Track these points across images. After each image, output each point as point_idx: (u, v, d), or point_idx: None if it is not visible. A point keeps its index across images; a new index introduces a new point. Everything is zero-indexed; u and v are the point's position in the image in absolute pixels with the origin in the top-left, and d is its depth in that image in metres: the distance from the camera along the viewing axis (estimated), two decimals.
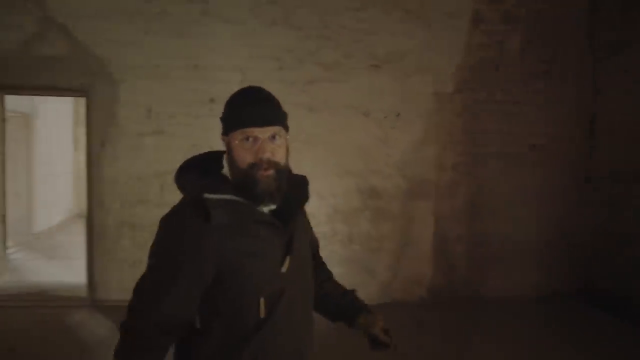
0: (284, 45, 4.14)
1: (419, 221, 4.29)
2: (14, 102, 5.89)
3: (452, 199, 4.35)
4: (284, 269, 1.13)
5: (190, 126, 4.09)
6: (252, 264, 1.07)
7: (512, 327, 3.76)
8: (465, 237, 4.35)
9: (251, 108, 1.13)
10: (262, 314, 1.08)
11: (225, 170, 1.17)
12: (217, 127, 4.03)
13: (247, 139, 1.10)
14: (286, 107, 4.57)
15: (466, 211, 4.35)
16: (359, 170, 4.24)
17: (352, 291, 1.46)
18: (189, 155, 4.15)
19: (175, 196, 3.92)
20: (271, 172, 1.10)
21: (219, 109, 3.88)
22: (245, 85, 4.25)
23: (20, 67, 3.92)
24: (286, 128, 1.24)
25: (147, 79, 4.04)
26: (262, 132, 1.12)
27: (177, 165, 4.24)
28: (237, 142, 1.11)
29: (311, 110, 4.18)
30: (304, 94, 4.17)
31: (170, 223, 1.09)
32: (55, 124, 7.51)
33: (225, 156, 1.18)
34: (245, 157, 1.11)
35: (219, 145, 4.08)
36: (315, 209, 4.18)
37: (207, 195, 1.07)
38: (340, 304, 1.41)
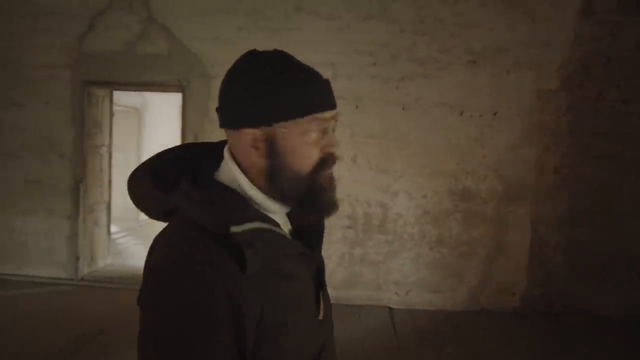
0: (378, 40, 4.10)
1: (515, 226, 4.11)
2: (127, 97, 6.49)
3: (553, 204, 4.11)
4: (320, 316, 0.88)
5: None
6: (293, 320, 0.78)
7: (612, 349, 3.51)
8: (566, 245, 4.11)
9: (320, 84, 0.83)
10: None
11: (228, 176, 0.83)
12: None
13: (319, 129, 0.81)
14: (379, 104, 4.59)
15: (568, 218, 4.10)
16: (452, 171, 4.12)
17: None
18: None
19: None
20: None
21: None
22: (336, 81, 4.22)
23: (125, 64, 4.21)
24: None
25: None
26: (333, 118, 0.85)
27: None
28: (299, 135, 0.79)
29: (404, 108, 4.11)
30: (397, 91, 4.11)
31: (190, 275, 0.71)
32: (164, 117, 8.09)
33: (229, 155, 0.84)
34: (310, 156, 0.81)
35: None
36: (404, 210, 4.13)
37: (234, 229, 0.73)
38: None
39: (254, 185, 0.82)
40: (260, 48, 3.49)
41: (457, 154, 4.11)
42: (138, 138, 7.51)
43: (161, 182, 0.82)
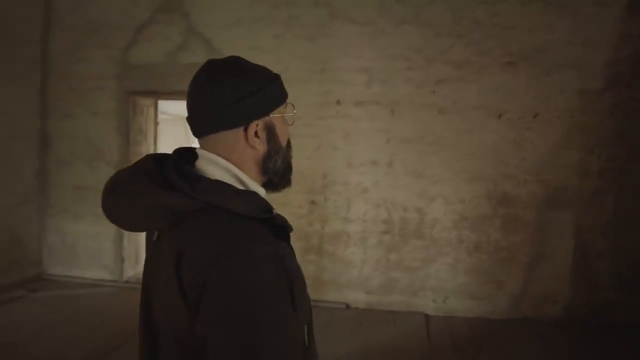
0: (412, 44, 4.15)
1: (556, 232, 4.03)
2: (174, 107, 6.91)
3: (597, 209, 4.01)
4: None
5: (316, 127, 4.29)
6: (302, 287, 0.93)
7: None
8: (612, 252, 4.00)
9: (279, 77, 1.01)
10: (306, 343, 0.97)
11: (219, 173, 0.94)
12: (342, 128, 4.19)
13: (289, 110, 1.02)
14: (414, 108, 4.62)
15: (614, 224, 3.99)
16: (490, 175, 4.10)
17: None
18: (314, 156, 4.34)
19: (297, 196, 4.18)
20: None
21: (345, 110, 4.07)
22: (371, 86, 4.31)
23: (167, 74, 4.45)
24: None
25: None
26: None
27: (302, 167, 4.45)
28: (281, 118, 1.00)
29: (440, 112, 4.14)
30: (432, 95, 4.14)
31: (261, 252, 0.82)
32: None
33: (216, 156, 0.95)
34: (287, 134, 1.03)
35: (343, 146, 4.21)
36: (441, 215, 4.15)
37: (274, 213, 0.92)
38: None
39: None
40: (297, 55, 3.72)
41: (496, 157, 4.09)
42: (186, 145, 8.04)
43: (168, 187, 0.89)
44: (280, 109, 0.99)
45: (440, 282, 4.16)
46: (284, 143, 1.01)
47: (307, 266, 4.29)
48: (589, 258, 4.02)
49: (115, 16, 4.55)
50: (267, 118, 0.97)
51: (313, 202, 4.31)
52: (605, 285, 4.00)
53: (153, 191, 0.89)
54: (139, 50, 4.53)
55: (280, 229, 0.92)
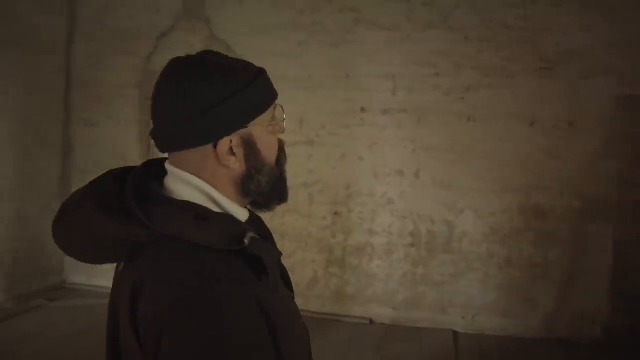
0: (440, 50, 4.04)
1: (595, 248, 3.84)
2: None
3: (638, 222, 3.81)
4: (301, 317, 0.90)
5: (340, 136, 4.22)
6: (291, 320, 0.83)
7: None
8: None
9: (265, 73, 0.86)
10: None
11: (188, 193, 0.80)
12: (367, 136, 4.10)
13: (274, 118, 0.85)
14: (444, 116, 4.50)
15: None
16: (522, 186, 3.94)
17: None
18: (338, 166, 4.24)
19: (320, 207, 4.08)
20: None
21: (370, 118, 3.94)
22: (397, 94, 4.20)
23: None
24: None
25: (299, 89, 4.26)
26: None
27: (326, 177, 4.37)
28: (265, 128, 0.82)
29: (469, 120, 4.02)
30: (461, 102, 4.02)
31: (226, 293, 0.70)
32: None
33: (185, 174, 0.81)
34: (275, 146, 0.86)
35: (367, 156, 4.11)
36: (471, 227, 4.01)
37: (250, 237, 0.75)
38: None
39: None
40: (321, 62, 3.58)
41: (528, 168, 3.94)
42: None
43: (121, 215, 0.75)
44: (265, 116, 0.82)
45: (470, 298, 4.01)
46: (270, 159, 0.85)
47: (330, 279, 4.21)
48: (630, 275, 3.81)
49: (138, 24, 4.58)
50: (244, 130, 0.80)
51: (336, 214, 4.23)
52: None
53: (100, 220, 0.76)
54: (161, 58, 4.53)
55: (255, 260, 0.74)
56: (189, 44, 4.44)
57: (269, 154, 0.85)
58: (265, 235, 0.89)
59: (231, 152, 0.79)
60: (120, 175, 0.84)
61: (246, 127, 0.80)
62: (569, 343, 3.78)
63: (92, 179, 0.83)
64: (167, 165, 0.84)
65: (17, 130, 4.32)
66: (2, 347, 3.38)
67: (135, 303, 0.74)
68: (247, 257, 0.74)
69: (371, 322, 4.12)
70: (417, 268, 4.10)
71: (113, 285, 0.89)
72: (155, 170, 0.87)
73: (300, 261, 4.23)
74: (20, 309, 4.13)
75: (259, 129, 0.81)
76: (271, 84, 0.86)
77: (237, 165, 0.81)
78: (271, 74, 3.55)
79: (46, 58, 4.60)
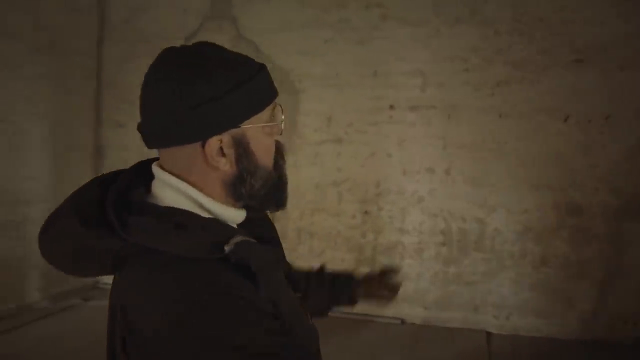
0: (470, 45, 3.98)
1: (634, 246, 3.74)
2: None
3: None
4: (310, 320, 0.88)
5: (368, 134, 4.19)
6: (295, 324, 0.79)
7: None
8: None
9: (265, 70, 0.80)
10: None
11: (172, 197, 0.77)
12: (396, 134, 4.05)
13: (272, 118, 0.81)
14: (474, 112, 4.42)
15: None
16: (556, 183, 3.86)
17: (317, 272, 1.25)
18: (367, 164, 4.20)
19: (350, 205, 4.06)
20: None
21: (399, 115, 3.89)
22: (426, 90, 4.15)
23: None
24: None
25: (326, 87, 4.25)
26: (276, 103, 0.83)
27: (355, 175, 4.34)
28: (261, 129, 0.78)
29: (500, 115, 3.94)
30: (492, 97, 3.95)
31: (218, 302, 0.68)
32: None
33: (170, 176, 0.78)
34: (272, 148, 0.82)
35: (397, 153, 4.05)
36: (503, 226, 3.94)
37: (227, 248, 0.70)
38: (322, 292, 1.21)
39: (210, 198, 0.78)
40: (348, 59, 3.54)
41: (562, 164, 3.85)
42: None
43: (99, 226, 0.73)
44: (261, 116, 0.77)
45: (503, 298, 3.95)
46: (265, 161, 0.80)
47: None
48: None
49: (166, 26, 4.63)
50: (237, 130, 0.75)
51: (366, 212, 4.21)
52: None
53: (79, 232, 0.73)
54: None
55: (243, 265, 0.70)
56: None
57: (264, 156, 0.80)
58: (262, 236, 0.84)
59: (221, 152, 0.75)
60: (106, 182, 0.81)
61: (238, 126, 0.75)
62: (606, 344, 3.69)
63: None
64: (154, 168, 0.81)
65: (49, 133, 4.42)
66: (37, 346, 3.46)
67: (124, 324, 0.72)
68: (229, 263, 0.70)
69: (402, 322, 4.10)
70: (449, 267, 4.06)
71: (110, 294, 0.86)
72: (144, 173, 0.83)
73: (330, 260, 4.22)
74: (55, 308, 4.24)
75: (253, 129, 0.77)
76: (271, 82, 0.81)
77: (227, 166, 0.77)
78: (297, 71, 3.58)
79: (77, 61, 4.70)
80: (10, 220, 4.05)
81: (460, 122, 4.02)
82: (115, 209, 0.73)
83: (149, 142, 0.79)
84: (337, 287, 1.25)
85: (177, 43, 3.66)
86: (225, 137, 0.75)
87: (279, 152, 0.85)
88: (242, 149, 0.76)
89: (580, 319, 3.82)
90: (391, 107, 4.12)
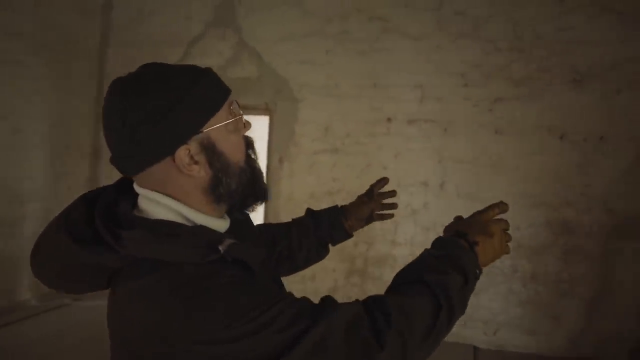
0: (470, 60, 4.15)
1: (625, 265, 3.89)
2: None
3: None
4: None
5: (365, 145, 4.35)
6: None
7: None
8: None
9: (211, 72, 0.85)
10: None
11: (158, 211, 0.82)
12: (392, 146, 4.21)
13: (232, 115, 0.84)
14: (471, 127, 4.62)
15: None
16: (550, 201, 4.02)
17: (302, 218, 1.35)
18: (363, 175, 4.32)
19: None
20: None
21: (396, 128, 4.12)
22: (424, 103, 4.32)
23: None
24: None
25: (325, 97, 4.42)
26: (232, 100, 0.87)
27: (350, 185, 4.49)
28: (224, 128, 0.82)
29: (497, 132, 4.11)
30: (490, 113, 4.12)
31: (230, 284, 0.75)
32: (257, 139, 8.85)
33: (153, 193, 0.82)
34: (241, 143, 0.87)
35: (392, 165, 4.20)
36: None
37: (221, 248, 0.77)
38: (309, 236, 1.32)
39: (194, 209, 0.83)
40: (348, 70, 3.79)
41: (557, 182, 4.01)
42: None
43: (92, 242, 0.78)
44: (219, 115, 0.81)
45: (492, 313, 4.09)
46: (236, 158, 0.85)
47: (351, 289, 4.33)
48: None
49: (170, 31, 4.82)
50: (200, 135, 0.79)
51: None
52: None
53: (73, 250, 0.78)
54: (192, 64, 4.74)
55: (239, 263, 0.78)
56: (218, 50, 4.66)
57: (234, 153, 0.84)
58: (245, 238, 0.91)
59: (192, 160, 0.79)
60: (92, 199, 0.85)
61: (200, 131, 0.79)
62: None
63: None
64: (135, 187, 0.85)
65: (48, 132, 4.58)
66: (27, 345, 3.55)
67: (125, 328, 0.79)
68: (229, 263, 0.77)
69: None
70: None
71: (107, 314, 0.91)
72: (128, 189, 0.87)
73: (321, 270, 4.36)
74: (45, 307, 4.35)
75: (216, 129, 0.80)
76: (220, 82, 0.85)
77: (202, 172, 0.81)
78: (297, 81, 3.79)
79: (79, 63, 4.88)
80: (4, 219, 4.20)
81: (457, 136, 4.18)
82: (105, 224, 0.77)
83: (124, 171, 0.83)
84: (323, 227, 1.35)
85: (181, 49, 3.89)
86: (192, 145, 0.79)
87: (249, 146, 0.90)
88: (210, 152, 0.81)
89: (568, 336, 3.97)
90: (389, 119, 4.29)
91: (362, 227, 1.43)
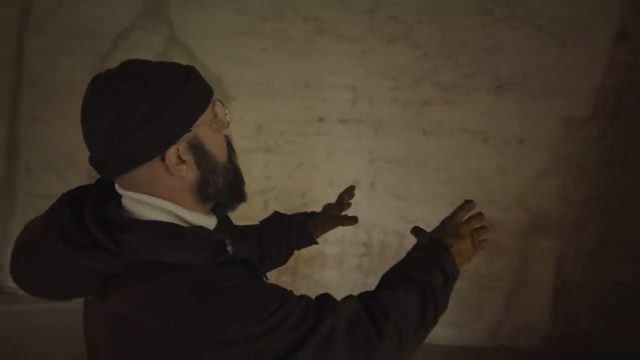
0: (400, 64, 4.31)
1: (538, 261, 4.18)
2: None
3: (579, 238, 4.18)
4: None
5: (297, 144, 4.40)
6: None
7: None
8: (593, 283, 4.15)
9: (195, 70, 0.86)
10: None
11: (150, 213, 0.81)
12: (324, 146, 4.28)
13: (216, 114, 0.86)
14: (400, 129, 4.77)
15: (595, 253, 4.15)
16: (474, 200, 4.21)
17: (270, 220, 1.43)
18: (296, 174, 4.40)
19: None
20: None
21: (327, 127, 4.23)
22: (356, 105, 4.44)
23: None
24: None
25: (258, 96, 4.43)
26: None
27: (282, 184, 4.53)
28: (209, 127, 0.83)
29: (425, 133, 4.29)
30: (418, 116, 4.29)
31: (240, 285, 0.79)
32: None
33: (141, 195, 0.81)
34: (223, 143, 0.88)
35: (324, 165, 4.28)
36: None
37: (230, 243, 0.80)
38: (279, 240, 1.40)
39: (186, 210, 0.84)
40: (281, 69, 3.83)
41: (480, 182, 4.24)
42: None
43: (88, 246, 0.75)
44: (206, 114, 0.83)
45: None
46: (221, 157, 0.86)
47: None
48: (569, 288, 4.17)
49: (96, 20, 4.64)
50: (189, 134, 0.80)
51: None
52: (585, 316, 4.15)
53: (67, 254, 0.75)
54: (119, 57, 4.52)
55: (244, 262, 0.81)
56: (148, 43, 4.55)
57: (219, 152, 0.86)
58: (234, 237, 0.91)
59: (180, 160, 0.79)
60: (74, 199, 0.84)
61: (190, 130, 0.79)
62: (510, 351, 4.10)
63: (38, 179, 0.88)
64: (118, 189, 0.83)
65: None
66: None
67: (135, 336, 0.75)
68: (235, 264, 0.79)
69: None
70: (369, 278, 4.32)
71: (87, 322, 0.90)
72: (109, 189, 0.85)
73: None
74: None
75: (203, 128, 0.81)
76: (204, 80, 0.86)
77: (189, 173, 0.81)
78: (231, 79, 3.78)
79: None
80: None
81: (387, 137, 4.33)
82: (100, 228, 0.75)
83: (107, 174, 0.82)
84: (292, 234, 1.43)
85: (108, 40, 3.75)
86: (181, 144, 0.79)
87: (229, 145, 0.91)
88: (198, 151, 0.81)
89: (487, 327, 4.22)
90: (320, 119, 4.37)
91: (325, 232, 1.52)
